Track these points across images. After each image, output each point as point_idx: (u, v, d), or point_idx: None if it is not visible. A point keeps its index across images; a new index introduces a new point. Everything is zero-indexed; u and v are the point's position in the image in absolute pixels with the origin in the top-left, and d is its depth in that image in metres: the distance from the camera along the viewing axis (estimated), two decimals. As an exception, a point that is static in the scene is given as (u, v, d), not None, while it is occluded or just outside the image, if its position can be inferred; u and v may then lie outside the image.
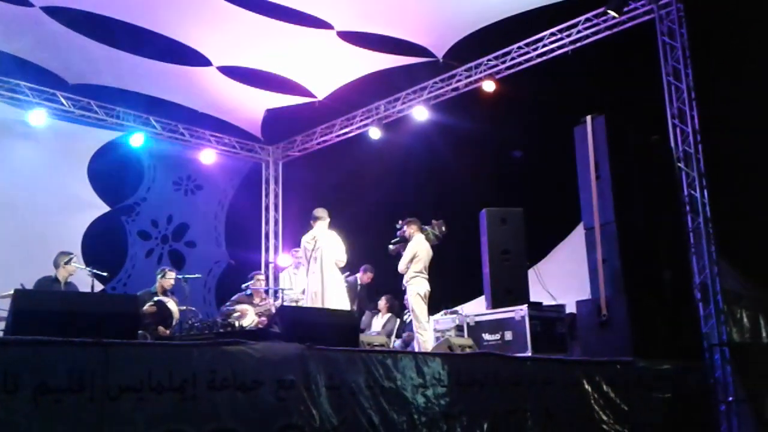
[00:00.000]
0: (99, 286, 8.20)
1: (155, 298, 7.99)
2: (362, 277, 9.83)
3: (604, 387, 5.89)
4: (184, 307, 7.71)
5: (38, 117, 10.93)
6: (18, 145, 11.20)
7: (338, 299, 7.76)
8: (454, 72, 11.24)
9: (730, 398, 6.98)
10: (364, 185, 12.60)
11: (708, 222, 7.70)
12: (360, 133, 12.69)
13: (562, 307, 7.74)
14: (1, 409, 3.14)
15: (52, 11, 9.27)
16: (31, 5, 9.07)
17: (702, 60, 8.51)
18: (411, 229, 8.27)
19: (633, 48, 9.68)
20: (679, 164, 8.13)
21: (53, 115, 11.17)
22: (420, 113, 11.69)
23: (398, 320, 10.17)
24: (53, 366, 3.36)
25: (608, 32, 9.62)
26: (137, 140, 11.92)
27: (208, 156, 13.01)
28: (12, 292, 5.39)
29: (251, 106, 12.31)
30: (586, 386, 5.80)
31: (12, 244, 10.31)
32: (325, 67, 11.06)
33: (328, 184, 12.95)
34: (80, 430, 3.35)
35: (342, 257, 7.97)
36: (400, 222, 8.42)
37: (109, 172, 12.17)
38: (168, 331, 7.77)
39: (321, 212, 8.25)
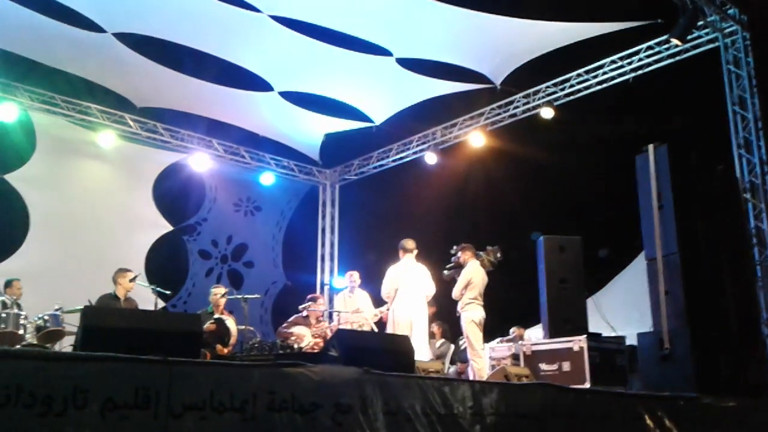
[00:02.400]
0: (160, 304, 8.37)
1: (215, 316, 8.12)
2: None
3: (667, 423, 5.70)
4: (243, 327, 7.81)
5: (107, 138, 11.36)
6: (88, 165, 11.65)
7: (424, 332, 8.13)
8: (512, 98, 11.24)
9: (799, 439, 6.69)
10: (420, 210, 12.60)
11: (776, 255, 7.47)
12: (416, 158, 12.76)
13: (622, 338, 7.56)
14: (70, 425, 3.20)
15: (121, 36, 9.66)
16: (104, 31, 9.47)
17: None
18: (465, 255, 8.19)
19: (696, 76, 9.50)
20: (745, 195, 7.92)
21: (121, 136, 11.58)
22: (477, 139, 11.69)
23: (452, 346, 10.10)
24: (120, 382, 3.42)
25: (671, 60, 9.49)
26: (200, 162, 12.27)
27: (267, 178, 13.30)
28: (81, 307, 5.57)
29: (310, 130, 12.52)
30: (648, 421, 5.62)
31: (80, 261, 10.68)
32: (383, 92, 11.20)
33: (383, 208, 13.02)
34: (145, 447, 3.41)
35: (431, 291, 8.30)
36: (454, 248, 8.38)
37: (173, 193, 12.51)
38: (226, 350, 7.88)
39: (410, 244, 8.48)
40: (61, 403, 3.19)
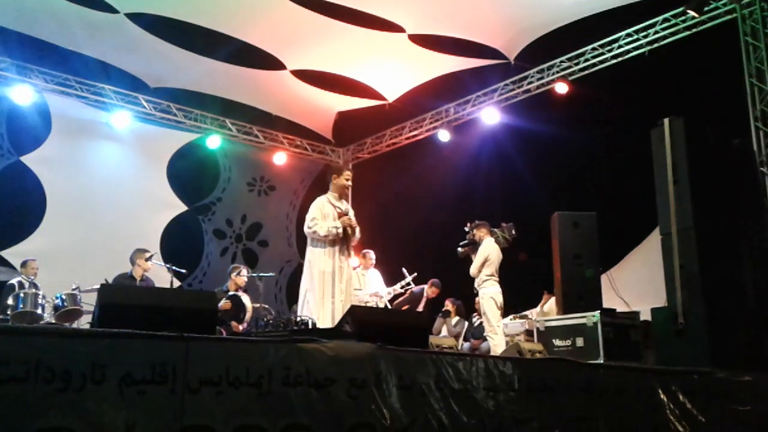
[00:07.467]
0: (176, 283, 8.47)
1: (230, 293, 8.20)
2: (428, 290, 9.84)
3: (681, 397, 5.69)
4: (258, 305, 7.88)
5: (121, 119, 11.42)
6: (102, 146, 11.74)
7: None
8: (525, 74, 11.15)
9: (816, 413, 6.67)
10: (433, 187, 12.59)
11: (793, 229, 7.39)
12: (429, 136, 12.71)
13: (636, 314, 7.54)
14: (90, 399, 3.25)
15: (134, 17, 9.65)
16: (116, 11, 9.46)
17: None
18: (480, 233, 8.21)
19: (713, 48, 9.37)
20: (762, 169, 7.84)
21: (135, 117, 11.64)
22: (490, 115, 11.64)
23: (466, 323, 10.14)
24: (138, 358, 3.46)
25: (687, 32, 9.36)
26: (214, 142, 12.33)
27: (280, 157, 13.33)
28: (98, 286, 5.64)
29: (323, 108, 12.51)
30: (662, 396, 5.62)
31: (96, 241, 10.79)
32: (396, 70, 11.15)
33: (397, 186, 13.01)
34: (162, 421, 3.46)
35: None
36: (468, 225, 8.38)
37: (187, 173, 12.60)
38: (241, 327, 7.96)
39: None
40: (80, 379, 3.23)
